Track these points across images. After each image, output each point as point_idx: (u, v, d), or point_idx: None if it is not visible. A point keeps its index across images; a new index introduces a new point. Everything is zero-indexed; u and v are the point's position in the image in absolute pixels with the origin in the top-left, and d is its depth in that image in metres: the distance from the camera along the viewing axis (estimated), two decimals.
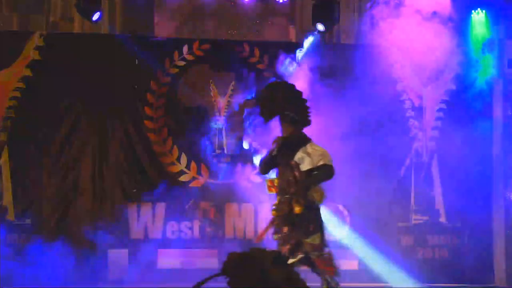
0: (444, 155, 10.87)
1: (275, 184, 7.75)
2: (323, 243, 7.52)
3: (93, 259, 9.90)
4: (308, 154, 7.71)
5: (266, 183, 7.91)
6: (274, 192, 7.78)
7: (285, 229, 7.58)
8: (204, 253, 10.27)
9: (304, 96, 7.77)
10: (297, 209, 7.58)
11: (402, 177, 10.89)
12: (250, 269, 2.98)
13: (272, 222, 7.68)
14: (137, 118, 10.43)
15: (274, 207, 7.73)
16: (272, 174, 7.91)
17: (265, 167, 7.94)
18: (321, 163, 7.68)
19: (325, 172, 7.74)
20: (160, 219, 10.36)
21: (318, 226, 7.67)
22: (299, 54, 10.52)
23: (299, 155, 7.77)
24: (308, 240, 7.51)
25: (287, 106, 7.71)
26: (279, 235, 7.60)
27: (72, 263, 9.67)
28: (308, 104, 7.71)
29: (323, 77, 10.46)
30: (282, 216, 7.61)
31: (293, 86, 7.84)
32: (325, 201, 10.50)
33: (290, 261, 7.49)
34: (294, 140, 7.78)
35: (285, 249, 7.50)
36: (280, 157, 7.78)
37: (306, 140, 7.85)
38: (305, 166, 7.79)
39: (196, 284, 3.29)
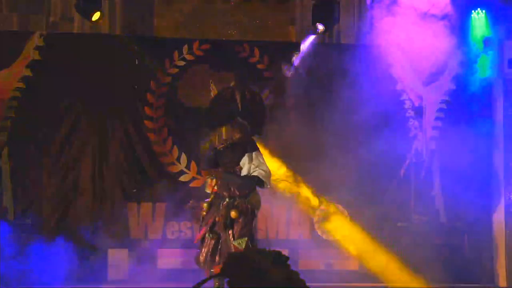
0: (444, 155, 10.87)
1: (214, 185, 8.07)
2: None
3: (93, 259, 9.91)
4: (250, 161, 8.10)
5: (208, 181, 8.23)
6: (211, 191, 8.12)
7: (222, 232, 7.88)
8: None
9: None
10: (233, 214, 7.91)
11: (402, 177, 10.89)
12: (250, 269, 2.98)
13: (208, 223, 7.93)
14: (137, 118, 10.43)
15: (205, 206, 8.00)
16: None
17: (209, 164, 8.35)
18: (255, 173, 8.05)
19: (254, 182, 8.16)
20: (160, 219, 10.36)
21: (247, 231, 7.90)
22: (299, 54, 10.52)
23: (243, 159, 8.12)
24: (235, 243, 7.79)
25: (241, 112, 8.18)
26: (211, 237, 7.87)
27: (72, 263, 9.67)
28: (264, 115, 8.24)
29: (322, 77, 10.46)
30: (223, 221, 7.92)
31: (256, 94, 8.37)
32: (325, 201, 10.61)
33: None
34: (242, 145, 8.15)
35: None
36: (225, 157, 8.10)
37: (254, 148, 8.21)
38: (243, 171, 8.15)
39: (196, 284, 3.29)
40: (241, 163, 8.18)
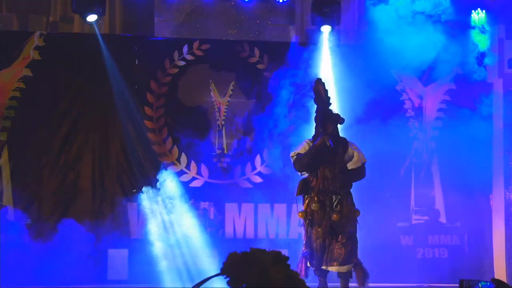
0: (444, 155, 10.87)
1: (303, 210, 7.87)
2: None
3: (93, 259, 9.90)
4: (355, 152, 7.92)
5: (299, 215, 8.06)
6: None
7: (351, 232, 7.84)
8: (204, 253, 10.26)
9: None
10: (357, 213, 7.82)
11: (402, 177, 10.89)
12: (250, 269, 2.97)
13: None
14: (137, 118, 10.43)
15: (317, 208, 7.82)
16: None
17: (310, 165, 7.96)
18: (364, 160, 7.92)
19: (363, 172, 8.09)
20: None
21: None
22: (299, 54, 10.52)
23: (350, 151, 7.94)
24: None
25: (330, 103, 7.98)
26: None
27: (72, 263, 9.67)
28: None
29: (322, 77, 10.46)
30: (349, 218, 7.81)
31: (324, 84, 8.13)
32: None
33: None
34: (339, 136, 7.99)
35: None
36: (339, 153, 7.89)
37: (344, 138, 8.06)
38: (355, 163, 7.98)
39: (196, 284, 3.29)
40: (348, 155, 7.99)
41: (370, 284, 10.27)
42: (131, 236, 10.24)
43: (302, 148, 8.13)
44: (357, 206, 10.46)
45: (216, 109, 10.63)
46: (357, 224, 8.20)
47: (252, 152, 10.58)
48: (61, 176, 10.19)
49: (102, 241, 9.94)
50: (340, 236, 7.96)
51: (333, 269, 8.06)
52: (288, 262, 3.09)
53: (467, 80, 10.91)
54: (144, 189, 10.16)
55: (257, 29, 11.15)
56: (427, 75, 10.97)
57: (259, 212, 10.57)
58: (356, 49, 10.77)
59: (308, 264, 8.18)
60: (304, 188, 8.11)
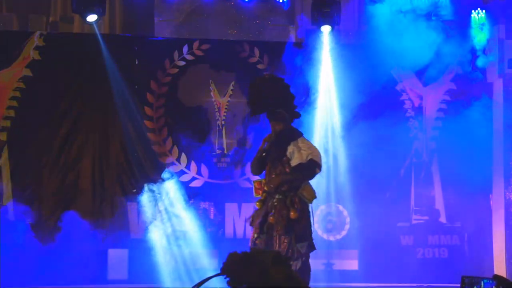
0: (444, 155, 10.87)
1: (263, 186, 7.69)
2: (307, 252, 7.46)
3: (93, 259, 9.90)
4: (299, 149, 7.65)
5: (254, 185, 7.84)
6: (260, 195, 7.73)
7: (284, 237, 7.55)
8: (204, 253, 10.26)
9: (303, 97, 7.80)
10: (292, 215, 7.51)
11: (402, 177, 10.89)
12: (250, 269, 2.98)
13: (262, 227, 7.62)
14: (137, 118, 10.43)
15: (260, 206, 7.67)
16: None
17: (257, 167, 7.85)
18: (309, 157, 7.62)
19: (309, 168, 7.68)
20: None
21: (310, 233, 7.61)
22: (299, 54, 10.53)
23: (290, 149, 7.71)
24: (298, 246, 7.45)
25: (276, 102, 7.67)
26: (262, 240, 7.54)
27: (72, 263, 9.67)
28: (294, 96, 7.69)
29: (322, 77, 10.47)
30: (280, 222, 7.54)
31: (280, 80, 7.79)
32: (325, 202, 10.60)
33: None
34: (285, 135, 7.72)
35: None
36: (272, 154, 7.71)
37: (297, 134, 7.80)
38: (294, 161, 7.72)
39: (196, 284, 3.29)
40: (288, 154, 7.61)
41: (371, 284, 10.30)
42: (131, 236, 10.24)
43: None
44: (357, 206, 10.52)
45: (216, 109, 10.64)
46: (292, 228, 7.62)
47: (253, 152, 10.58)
48: (61, 176, 10.19)
49: (102, 241, 9.94)
50: (275, 238, 7.54)
51: None
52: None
53: (467, 80, 10.91)
54: (146, 188, 10.15)
55: (257, 29, 11.15)
56: (427, 75, 10.97)
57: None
58: (356, 49, 10.77)
59: None
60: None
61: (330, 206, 10.68)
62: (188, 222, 10.29)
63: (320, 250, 10.49)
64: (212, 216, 10.45)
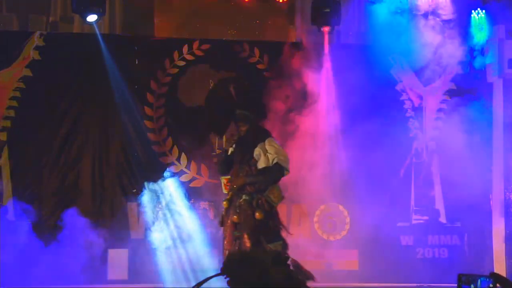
0: (444, 155, 10.87)
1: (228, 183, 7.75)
2: (284, 250, 7.42)
3: (93, 259, 9.90)
4: (265, 151, 7.65)
5: (222, 181, 7.87)
6: (228, 192, 7.80)
7: (246, 236, 7.56)
8: (204, 253, 10.25)
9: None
10: (258, 215, 7.54)
11: (402, 177, 10.90)
12: (250, 269, 2.98)
13: (228, 226, 7.62)
14: (137, 118, 10.43)
15: (226, 205, 7.67)
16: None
17: (222, 167, 7.86)
18: (275, 161, 7.63)
19: (274, 171, 7.69)
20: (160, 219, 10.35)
21: (279, 232, 7.61)
22: (300, 54, 10.52)
23: (256, 151, 7.70)
24: (271, 246, 7.43)
25: (238, 104, 7.71)
26: (229, 240, 7.54)
27: (72, 263, 9.67)
28: (261, 97, 7.74)
29: (322, 77, 10.47)
30: (246, 221, 7.56)
31: (242, 81, 7.84)
32: (325, 202, 10.61)
33: None
34: (251, 136, 7.72)
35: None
36: (237, 155, 7.71)
37: (264, 135, 7.79)
38: (260, 164, 7.72)
39: (196, 284, 3.29)
40: (255, 156, 7.71)
41: (371, 284, 10.30)
42: (131, 236, 10.23)
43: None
44: (357, 206, 10.52)
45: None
46: (258, 229, 7.74)
47: None
48: (61, 176, 10.19)
49: (102, 241, 9.94)
50: (237, 236, 7.71)
51: None
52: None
53: (467, 80, 10.92)
54: (147, 187, 10.14)
55: (257, 29, 11.14)
56: (427, 75, 10.98)
57: None
58: (356, 49, 10.77)
59: None
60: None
61: (330, 206, 10.68)
62: (188, 222, 10.29)
63: (320, 250, 10.54)
64: (212, 216, 10.45)
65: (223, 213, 7.87)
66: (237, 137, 7.82)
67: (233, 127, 8.10)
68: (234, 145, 7.84)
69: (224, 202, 7.78)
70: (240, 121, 7.78)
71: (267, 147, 7.72)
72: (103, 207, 10.19)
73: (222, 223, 7.90)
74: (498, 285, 3.39)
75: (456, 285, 3.53)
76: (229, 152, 7.85)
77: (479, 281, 3.41)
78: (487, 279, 3.42)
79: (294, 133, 10.29)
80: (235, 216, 7.63)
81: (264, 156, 7.65)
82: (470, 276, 3.44)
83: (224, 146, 7.92)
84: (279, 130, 10.14)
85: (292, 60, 10.40)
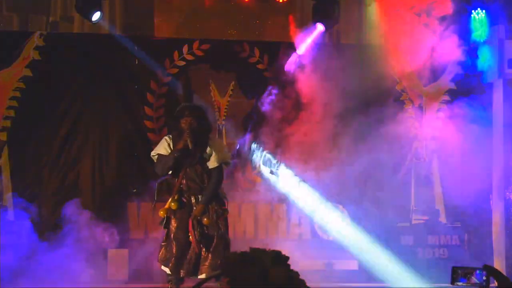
0: (444, 155, 10.87)
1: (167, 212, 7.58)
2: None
3: (93, 259, 9.90)
4: (213, 150, 7.58)
5: (161, 212, 7.71)
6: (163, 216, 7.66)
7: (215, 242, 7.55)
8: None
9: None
10: (205, 221, 7.53)
11: (402, 177, 10.89)
12: (250, 269, 2.98)
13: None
14: (137, 118, 10.43)
15: (174, 208, 7.54)
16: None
17: (169, 167, 7.58)
18: (221, 162, 7.58)
19: (222, 174, 7.69)
20: (160, 219, 10.33)
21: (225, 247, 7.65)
22: (299, 54, 10.52)
23: (208, 150, 7.63)
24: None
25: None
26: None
27: (71, 263, 9.66)
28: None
29: (323, 77, 10.46)
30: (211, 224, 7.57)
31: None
32: (325, 202, 10.61)
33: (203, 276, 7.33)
34: (205, 131, 7.60)
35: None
36: (189, 156, 7.51)
37: (209, 131, 7.74)
38: (210, 164, 7.66)
39: (196, 284, 3.29)
40: (206, 155, 7.55)
41: (371, 284, 10.30)
42: (131, 236, 10.23)
43: (162, 148, 7.69)
44: (357, 206, 10.52)
45: (216, 109, 10.63)
46: (227, 224, 7.83)
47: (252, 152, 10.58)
48: (61, 176, 10.19)
49: (102, 241, 9.94)
50: (212, 239, 7.62)
51: (202, 276, 7.52)
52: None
53: (467, 80, 10.91)
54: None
55: (257, 29, 11.14)
56: (427, 75, 10.97)
57: (259, 212, 10.57)
58: (356, 49, 10.77)
59: (162, 267, 7.73)
60: (166, 189, 7.97)
61: (330, 206, 10.67)
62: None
63: (320, 250, 10.54)
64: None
65: (169, 214, 7.73)
66: (190, 134, 7.49)
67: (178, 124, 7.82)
68: (182, 145, 7.53)
69: (173, 204, 7.62)
70: (192, 115, 7.57)
71: (214, 144, 7.65)
72: (103, 207, 10.19)
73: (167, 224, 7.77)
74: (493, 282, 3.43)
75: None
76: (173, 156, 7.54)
77: (474, 273, 3.45)
78: (481, 272, 3.46)
79: (293, 133, 10.30)
80: (205, 219, 7.60)
81: (213, 156, 7.57)
82: (466, 269, 3.48)
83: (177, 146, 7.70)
84: (275, 132, 10.20)
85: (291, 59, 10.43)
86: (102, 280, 9.90)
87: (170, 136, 7.81)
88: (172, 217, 7.73)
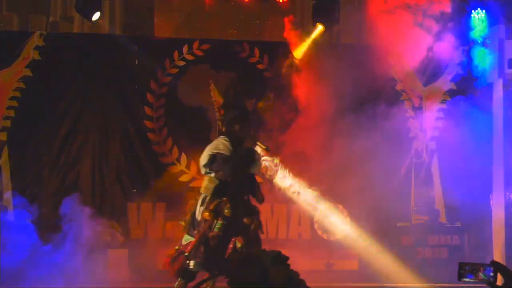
0: (444, 155, 10.88)
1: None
2: None
3: (93, 259, 9.90)
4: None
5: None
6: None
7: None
8: None
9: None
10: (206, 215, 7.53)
11: (402, 177, 10.90)
12: (250, 269, 2.98)
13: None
14: (137, 118, 10.43)
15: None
16: None
17: (236, 167, 7.63)
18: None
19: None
20: (160, 219, 10.35)
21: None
22: (299, 54, 10.53)
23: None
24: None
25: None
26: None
27: (71, 263, 9.67)
28: None
29: (323, 77, 10.47)
30: None
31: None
32: (325, 201, 10.62)
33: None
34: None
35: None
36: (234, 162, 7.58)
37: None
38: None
39: (196, 284, 3.30)
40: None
41: (371, 284, 10.30)
42: (131, 236, 10.24)
43: (226, 148, 7.56)
44: (356, 206, 10.53)
45: (216, 109, 10.63)
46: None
47: None
48: (61, 176, 10.19)
49: (102, 241, 9.94)
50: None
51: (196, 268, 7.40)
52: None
53: (467, 80, 10.92)
54: None
55: (257, 29, 11.15)
56: (427, 75, 10.98)
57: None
58: (356, 49, 10.77)
59: (192, 266, 7.36)
60: (221, 191, 7.53)
61: (330, 206, 10.68)
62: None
63: (320, 250, 10.54)
64: None
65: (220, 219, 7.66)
66: (260, 141, 7.80)
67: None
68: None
69: (227, 211, 7.55)
70: (235, 117, 7.76)
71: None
72: (103, 207, 10.19)
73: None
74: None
75: (456, 285, 3.54)
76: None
77: (482, 269, 3.46)
78: (489, 268, 3.47)
79: (292, 134, 10.31)
80: (245, 219, 7.59)
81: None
82: (473, 265, 3.48)
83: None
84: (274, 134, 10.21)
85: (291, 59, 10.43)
86: (102, 280, 9.90)
87: (226, 138, 7.67)
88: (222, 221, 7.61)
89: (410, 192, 10.93)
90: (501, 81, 10.83)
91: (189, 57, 10.60)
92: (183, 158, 10.50)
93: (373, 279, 10.35)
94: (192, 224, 7.51)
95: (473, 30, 10.82)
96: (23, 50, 10.12)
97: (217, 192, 7.49)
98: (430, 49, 10.58)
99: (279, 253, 3.08)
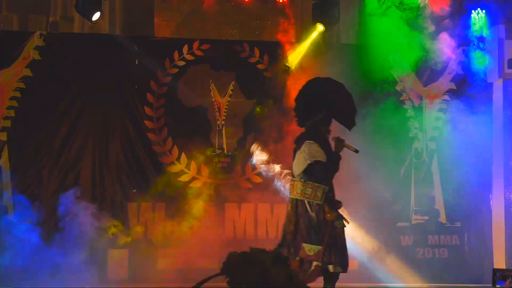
0: (444, 155, 10.87)
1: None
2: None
3: (93, 259, 9.90)
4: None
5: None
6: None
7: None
8: (204, 253, 10.26)
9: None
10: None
11: (402, 177, 10.89)
12: (250, 269, 2.98)
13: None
14: (137, 118, 10.43)
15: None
16: None
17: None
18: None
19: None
20: (160, 219, 10.35)
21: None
22: (299, 54, 10.53)
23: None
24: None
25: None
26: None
27: (72, 263, 9.67)
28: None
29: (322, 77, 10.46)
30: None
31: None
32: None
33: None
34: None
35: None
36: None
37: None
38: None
39: (196, 284, 3.29)
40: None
41: (371, 285, 10.30)
42: (131, 236, 10.24)
43: (319, 154, 7.62)
44: (356, 206, 10.53)
45: (216, 109, 10.64)
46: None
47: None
48: (61, 176, 10.19)
49: (102, 241, 9.94)
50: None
51: (338, 269, 7.75)
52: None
53: (467, 80, 10.92)
54: None
55: (257, 29, 11.15)
56: (427, 75, 10.98)
57: (259, 212, 10.57)
58: (356, 49, 10.77)
59: (332, 270, 7.63)
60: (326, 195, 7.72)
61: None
62: (187, 222, 10.30)
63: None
64: (212, 216, 10.44)
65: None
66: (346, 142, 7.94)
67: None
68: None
69: (329, 215, 7.67)
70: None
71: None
72: (103, 207, 10.19)
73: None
74: None
75: (456, 285, 3.55)
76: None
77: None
78: None
79: (291, 134, 10.30)
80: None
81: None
82: (505, 271, 3.49)
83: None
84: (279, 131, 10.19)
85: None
86: (102, 280, 9.91)
87: (314, 142, 7.69)
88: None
89: (410, 192, 10.93)
90: (501, 81, 10.84)
91: (189, 57, 10.60)
92: (183, 158, 10.50)
93: (373, 279, 10.35)
94: (307, 232, 7.40)
95: (473, 30, 10.82)
96: (23, 50, 10.12)
97: (326, 197, 7.68)
98: (430, 49, 10.58)
99: (279, 253, 3.08)
